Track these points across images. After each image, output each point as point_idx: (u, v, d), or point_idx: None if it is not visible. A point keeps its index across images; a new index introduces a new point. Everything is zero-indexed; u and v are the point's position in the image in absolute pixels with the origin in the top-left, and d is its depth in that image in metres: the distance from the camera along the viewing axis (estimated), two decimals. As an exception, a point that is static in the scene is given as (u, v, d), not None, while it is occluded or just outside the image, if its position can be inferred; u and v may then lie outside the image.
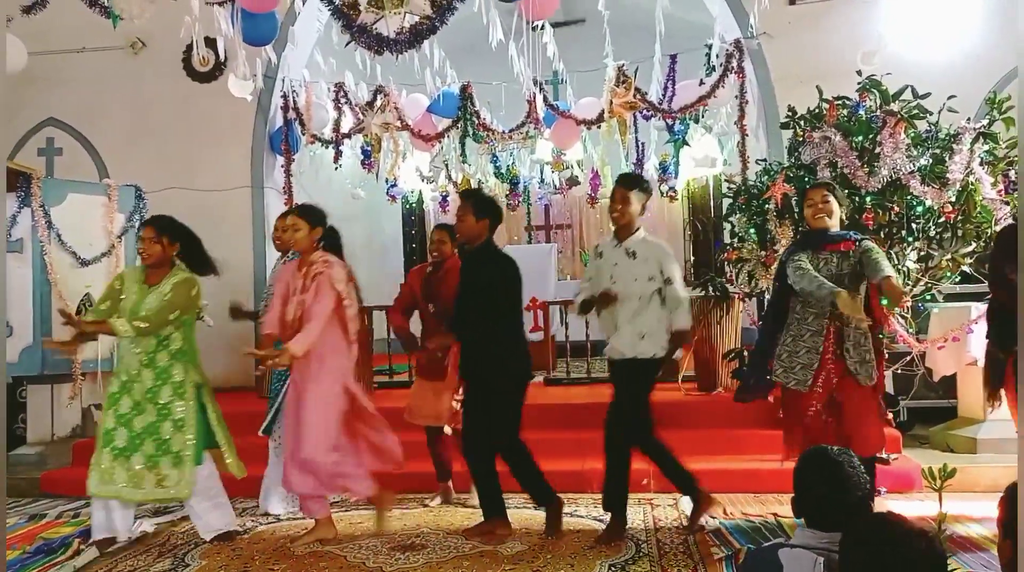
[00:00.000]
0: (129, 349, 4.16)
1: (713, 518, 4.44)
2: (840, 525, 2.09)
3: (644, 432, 4.11)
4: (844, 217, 4.05)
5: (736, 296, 6.10)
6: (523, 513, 4.65)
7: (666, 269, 4.08)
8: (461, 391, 4.45)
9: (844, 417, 3.86)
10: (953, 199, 5.09)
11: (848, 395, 3.85)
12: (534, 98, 7.05)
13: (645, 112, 7.42)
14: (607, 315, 4.13)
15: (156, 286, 4.16)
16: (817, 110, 5.47)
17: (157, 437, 4.10)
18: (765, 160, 6.28)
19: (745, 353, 5.63)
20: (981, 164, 5.08)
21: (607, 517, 4.30)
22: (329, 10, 4.82)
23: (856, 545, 1.87)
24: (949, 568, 2.37)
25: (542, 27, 6.22)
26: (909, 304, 5.33)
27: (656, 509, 4.69)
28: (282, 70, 7.48)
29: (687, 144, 8.29)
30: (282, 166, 7.70)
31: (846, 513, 2.13)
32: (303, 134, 7.57)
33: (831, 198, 3.95)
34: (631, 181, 4.20)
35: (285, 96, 7.58)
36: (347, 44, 5.04)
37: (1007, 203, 4.97)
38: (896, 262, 5.28)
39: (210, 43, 6.06)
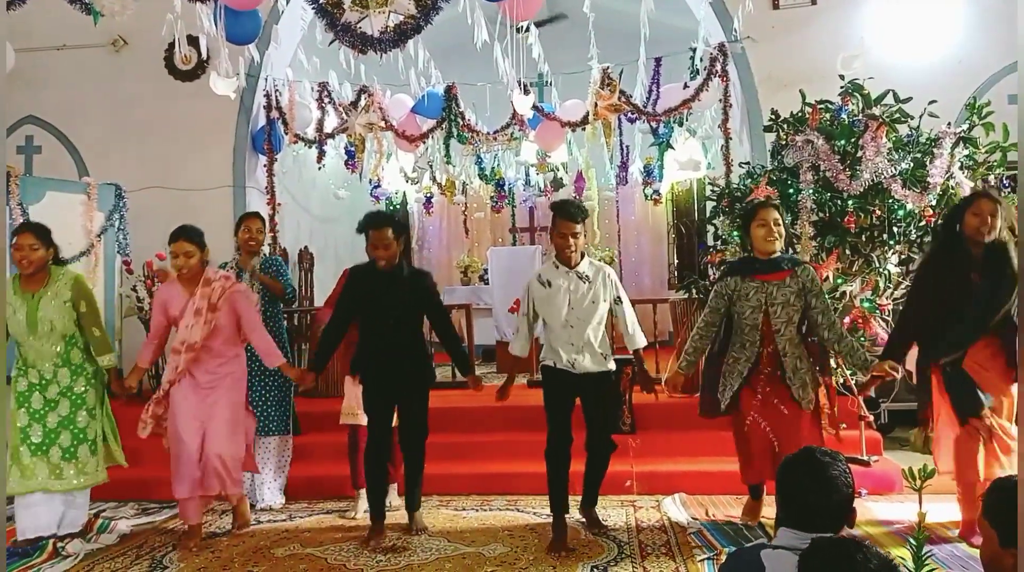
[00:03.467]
0: (38, 355, 4.20)
1: (695, 520, 4.46)
2: (824, 527, 2.09)
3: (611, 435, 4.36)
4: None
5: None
6: (506, 515, 4.64)
7: (619, 290, 4.26)
8: None
9: (785, 437, 3.95)
10: (933, 203, 5.13)
11: (791, 421, 3.99)
12: (514, 103, 7.03)
13: (630, 115, 7.43)
14: (567, 335, 4.17)
15: (42, 290, 4.20)
16: (800, 114, 5.50)
17: (73, 426, 4.22)
18: (748, 163, 6.31)
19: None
20: (961, 168, 5.13)
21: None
22: (313, 8, 4.78)
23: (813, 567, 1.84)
24: (928, 568, 2.37)
25: (527, 29, 6.21)
26: (890, 307, 5.37)
27: (639, 511, 4.68)
28: (265, 69, 7.42)
29: (671, 147, 8.33)
30: (264, 166, 7.64)
31: (830, 515, 2.13)
32: (286, 134, 7.51)
33: (780, 221, 4.04)
34: (581, 212, 4.19)
35: (268, 95, 7.52)
36: (331, 43, 5.00)
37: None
38: (878, 265, 5.32)
39: (192, 41, 6.03)
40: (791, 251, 5.27)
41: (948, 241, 3.90)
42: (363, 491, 4.80)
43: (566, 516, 4.21)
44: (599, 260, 10.02)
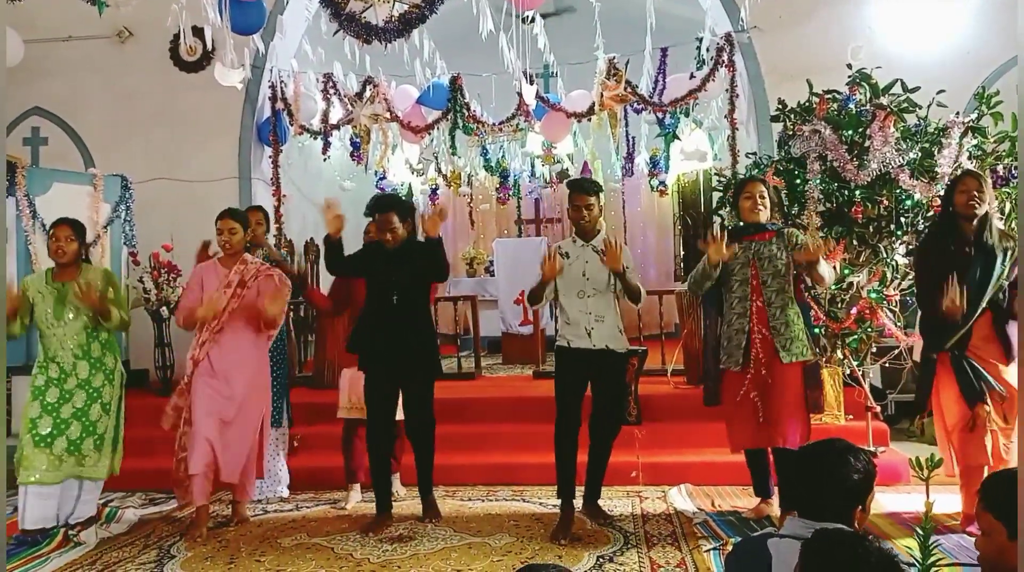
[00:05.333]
0: (60, 345, 4.27)
1: (701, 510, 4.46)
2: (834, 517, 2.08)
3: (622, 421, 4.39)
4: (770, 213, 4.30)
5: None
6: (511, 505, 4.65)
7: (629, 262, 4.31)
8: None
9: (769, 403, 4.06)
10: (941, 193, 5.09)
11: (776, 379, 4.06)
12: (521, 91, 7.00)
13: (636, 105, 7.40)
14: (583, 305, 4.23)
15: (73, 281, 4.29)
16: (807, 104, 5.46)
17: (86, 418, 4.28)
18: (755, 154, 6.28)
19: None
20: (969, 158, 5.09)
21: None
22: (318, -2, 4.78)
23: (817, 562, 1.83)
24: (933, 560, 2.37)
25: (532, 19, 6.18)
26: (897, 297, 5.35)
27: (645, 502, 4.69)
28: (270, 60, 7.40)
29: (677, 138, 8.30)
30: (270, 157, 7.63)
31: (839, 507, 2.12)
32: (291, 125, 7.49)
33: (766, 194, 4.24)
34: (594, 186, 4.39)
35: (273, 86, 7.50)
36: (335, 33, 4.99)
37: (994, 198, 4.99)
38: (885, 256, 5.29)
39: (197, 32, 6.01)
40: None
41: (944, 221, 4.13)
42: (356, 486, 4.89)
43: (574, 506, 4.22)
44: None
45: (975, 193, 3.93)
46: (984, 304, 3.87)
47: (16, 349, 5.80)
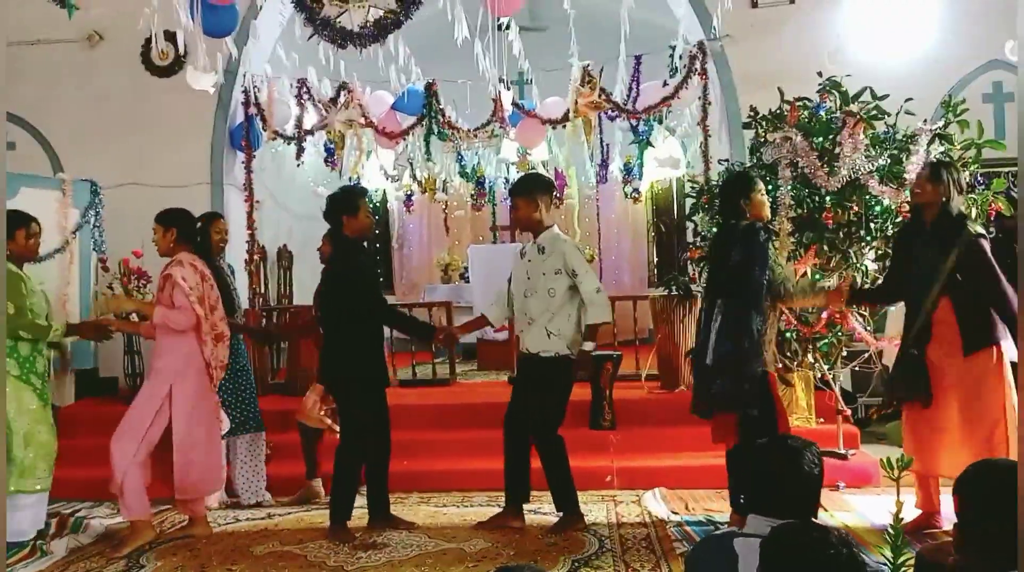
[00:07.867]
0: (46, 340, 4.26)
1: (676, 514, 4.48)
2: (795, 513, 2.10)
3: (547, 431, 4.19)
4: None
5: (699, 295, 6.13)
6: (486, 511, 4.63)
7: (569, 262, 4.14)
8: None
9: None
10: (910, 199, 5.17)
11: None
12: (499, 96, 7.02)
13: (610, 112, 7.44)
14: (522, 306, 4.25)
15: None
16: (778, 111, 5.52)
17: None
18: (728, 160, 6.33)
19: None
20: (936, 165, 5.17)
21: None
22: (292, 2, 4.76)
23: (776, 550, 1.85)
24: (904, 559, 2.39)
25: (507, 26, 6.21)
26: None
27: (619, 506, 4.70)
28: (243, 65, 7.34)
29: (651, 145, 8.35)
30: (242, 163, 7.57)
31: (801, 502, 2.15)
32: (264, 130, 7.44)
33: None
34: (520, 184, 4.38)
35: (246, 91, 7.45)
36: (310, 37, 4.98)
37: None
38: (855, 261, 5.36)
39: (169, 36, 5.96)
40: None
41: (912, 213, 4.26)
42: (317, 481, 4.97)
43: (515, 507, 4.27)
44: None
45: (922, 183, 4.02)
46: (932, 296, 3.83)
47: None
